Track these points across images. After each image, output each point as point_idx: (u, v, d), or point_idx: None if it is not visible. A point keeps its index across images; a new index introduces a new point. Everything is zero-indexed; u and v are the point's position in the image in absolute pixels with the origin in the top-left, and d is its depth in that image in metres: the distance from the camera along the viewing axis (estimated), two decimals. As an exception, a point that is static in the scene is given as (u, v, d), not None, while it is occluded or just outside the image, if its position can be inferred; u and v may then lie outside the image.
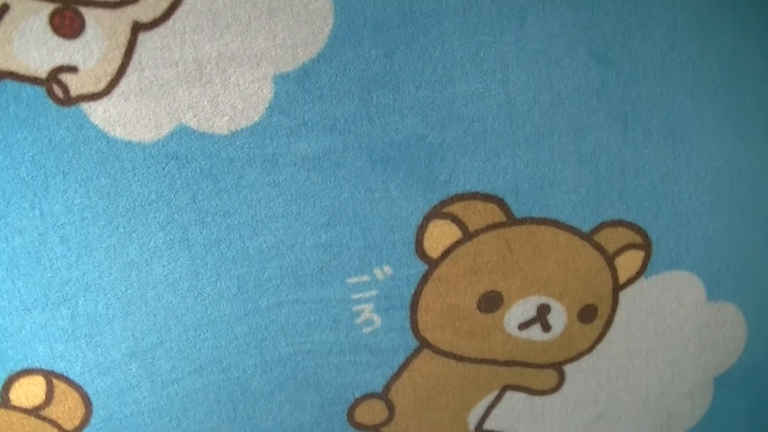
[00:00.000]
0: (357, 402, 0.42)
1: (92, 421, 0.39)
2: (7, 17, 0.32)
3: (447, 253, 0.39)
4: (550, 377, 0.44)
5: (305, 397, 0.41)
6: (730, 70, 0.40)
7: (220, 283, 0.38)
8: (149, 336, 0.38)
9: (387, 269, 0.39)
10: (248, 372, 0.40)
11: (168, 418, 0.40)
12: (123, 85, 0.34)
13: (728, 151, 0.41)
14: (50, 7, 0.33)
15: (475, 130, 0.37)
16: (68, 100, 0.34)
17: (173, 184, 0.36)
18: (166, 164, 0.35)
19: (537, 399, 0.45)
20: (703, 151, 0.41)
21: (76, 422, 0.39)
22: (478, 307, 0.41)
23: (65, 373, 0.38)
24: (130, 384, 0.39)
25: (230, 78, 0.35)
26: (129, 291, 0.37)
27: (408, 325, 0.41)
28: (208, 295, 0.38)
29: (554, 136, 0.38)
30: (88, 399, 0.39)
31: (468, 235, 0.39)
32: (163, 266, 0.37)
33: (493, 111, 0.37)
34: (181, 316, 0.38)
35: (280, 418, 0.42)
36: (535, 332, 0.42)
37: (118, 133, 0.35)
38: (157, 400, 0.40)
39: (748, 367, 0.47)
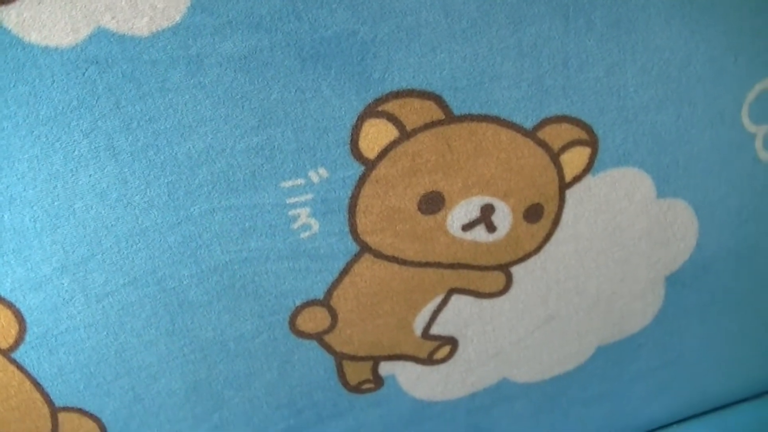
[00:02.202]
0: (298, 309, 0.43)
1: (27, 338, 0.40)
2: None
3: (384, 153, 0.40)
4: (497, 279, 0.46)
5: (244, 306, 0.42)
6: (677, -45, 0.40)
7: (150, 191, 0.38)
8: (80, 248, 0.39)
9: (322, 171, 0.40)
10: (184, 282, 0.41)
11: (105, 332, 0.41)
12: (35, -14, 0.34)
13: (676, 42, 0.42)
14: None
15: (408, 24, 0.38)
16: (-22, 5, 0.34)
17: (95, 89, 0.36)
18: (86, 69, 0.35)
19: (485, 302, 0.46)
20: (649, 42, 0.41)
21: (11, 340, 0.40)
22: (419, 209, 0.42)
23: (-5, 290, 0.39)
24: (64, 299, 0.40)
25: (148, -25, 0.35)
26: (56, 203, 0.37)
27: (347, 229, 0.41)
28: (138, 204, 0.38)
29: (492, 29, 0.39)
30: (21, 316, 0.40)
31: (405, 134, 0.40)
32: (90, 176, 0.37)
33: (426, 3, 0.37)
34: (112, 226, 0.38)
35: (220, 329, 0.43)
36: (480, 233, 0.43)
37: (34, 38, 0.35)
38: (93, 315, 0.40)
39: (699, 265, 0.49)
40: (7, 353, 0.40)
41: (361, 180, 0.40)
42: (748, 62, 0.43)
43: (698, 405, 0.56)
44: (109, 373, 0.42)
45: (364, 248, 0.42)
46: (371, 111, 0.39)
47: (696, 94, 0.43)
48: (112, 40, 0.35)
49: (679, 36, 0.41)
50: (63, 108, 0.36)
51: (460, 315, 0.46)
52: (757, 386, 0.57)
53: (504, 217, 0.43)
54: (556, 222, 0.44)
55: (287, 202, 0.40)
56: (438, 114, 0.40)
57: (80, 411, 0.43)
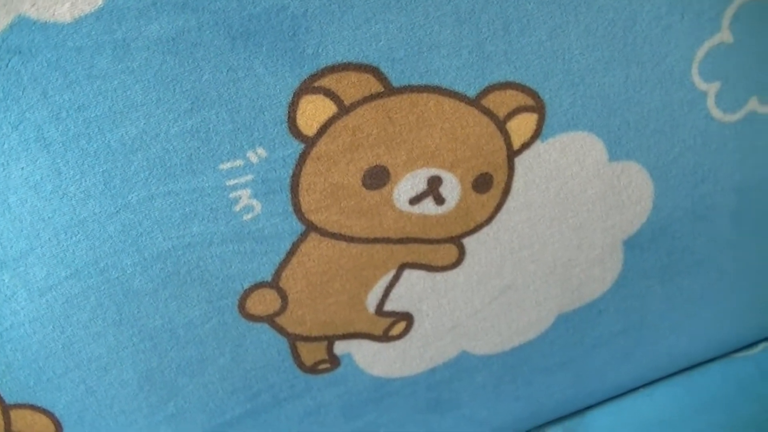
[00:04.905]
0: (247, 293, 0.43)
1: (-29, 337, 0.40)
2: None
3: (323, 129, 0.39)
4: (449, 252, 0.45)
5: (191, 293, 0.42)
6: None
7: (85, 180, 0.38)
8: (18, 243, 0.38)
9: (261, 151, 0.39)
10: (127, 271, 0.40)
11: (51, 327, 0.41)
12: (-51, -23, 0.34)
13: (620, 1, 0.41)
14: None
15: (340, -4, 0.37)
16: None
17: (20, 80, 0.35)
18: (10, 60, 0.35)
19: (438, 276, 0.46)
20: (592, 2, 0.41)
21: (-45, 340, 0.40)
22: (364, 184, 0.41)
23: (-66, 291, 0.39)
24: (6, 295, 0.39)
25: (66, -41, 0.34)
26: (-11, 198, 0.37)
27: (290, 208, 0.41)
28: (74, 194, 0.38)
29: (428, -4, 0.38)
30: (-37, 315, 0.40)
31: (344, 109, 0.39)
32: (22, 168, 0.37)
33: (357, -27, 0.37)
34: (49, 219, 0.38)
35: (168, 317, 0.42)
36: (428, 206, 0.43)
37: (-48, 30, 0.34)
38: (37, 309, 0.40)
39: (657, 227, 0.49)
40: (-48, 353, 0.40)
41: (302, 158, 0.40)
42: (696, 19, 0.43)
43: (663, 368, 0.56)
44: (58, 367, 0.42)
45: (310, 227, 0.42)
46: (307, 87, 0.38)
47: (644, 54, 0.43)
48: (33, 28, 0.34)
49: (623, -6, 0.41)
50: (-12, 101, 0.35)
51: (413, 290, 0.46)
52: (721, 346, 0.57)
53: (452, 189, 0.43)
54: (506, 191, 0.44)
55: (227, 184, 0.39)
56: (376, 86, 0.39)
57: (32, 407, 0.43)
